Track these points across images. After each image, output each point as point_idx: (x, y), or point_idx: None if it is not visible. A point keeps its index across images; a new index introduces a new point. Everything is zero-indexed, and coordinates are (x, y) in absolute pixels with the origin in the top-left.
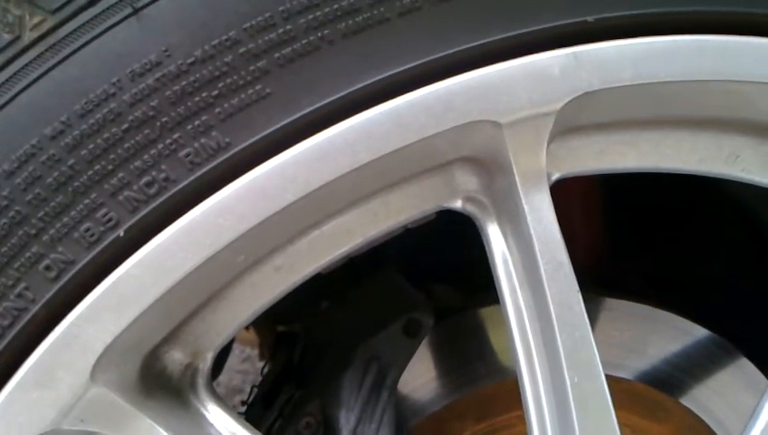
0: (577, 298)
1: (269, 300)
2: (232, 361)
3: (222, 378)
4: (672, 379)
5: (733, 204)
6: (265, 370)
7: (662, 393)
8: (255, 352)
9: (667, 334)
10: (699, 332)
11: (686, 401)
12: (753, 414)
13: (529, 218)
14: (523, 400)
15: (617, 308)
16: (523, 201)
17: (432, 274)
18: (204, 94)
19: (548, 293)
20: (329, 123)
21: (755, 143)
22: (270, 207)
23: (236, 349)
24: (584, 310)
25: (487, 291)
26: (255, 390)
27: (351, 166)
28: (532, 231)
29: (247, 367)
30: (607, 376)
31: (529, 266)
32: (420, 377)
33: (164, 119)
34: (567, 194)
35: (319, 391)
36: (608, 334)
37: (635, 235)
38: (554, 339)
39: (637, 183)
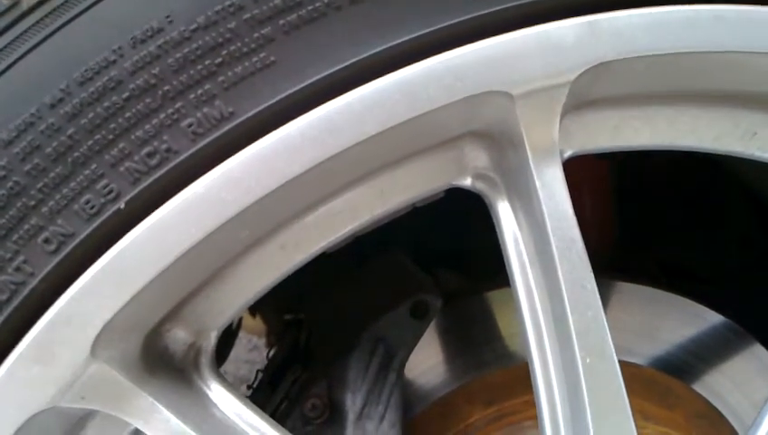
0: (589, 277)
1: (274, 279)
2: (239, 350)
3: (229, 367)
4: (684, 365)
5: (745, 190)
6: (271, 354)
7: (674, 379)
8: (263, 341)
9: (680, 320)
10: (713, 317)
11: (698, 387)
12: (766, 402)
13: (541, 195)
14: (533, 381)
15: (629, 292)
16: (535, 177)
17: (440, 258)
18: (207, 62)
19: (560, 271)
20: (336, 93)
21: None
22: (275, 180)
23: (244, 338)
24: (596, 289)
25: (496, 276)
26: (261, 374)
27: (358, 138)
28: (544, 208)
29: (255, 356)
30: (619, 361)
31: (540, 245)
32: (429, 361)
33: (166, 87)
34: (580, 179)
35: (325, 373)
36: (619, 319)
37: (647, 221)
38: (566, 319)
39: (649, 169)
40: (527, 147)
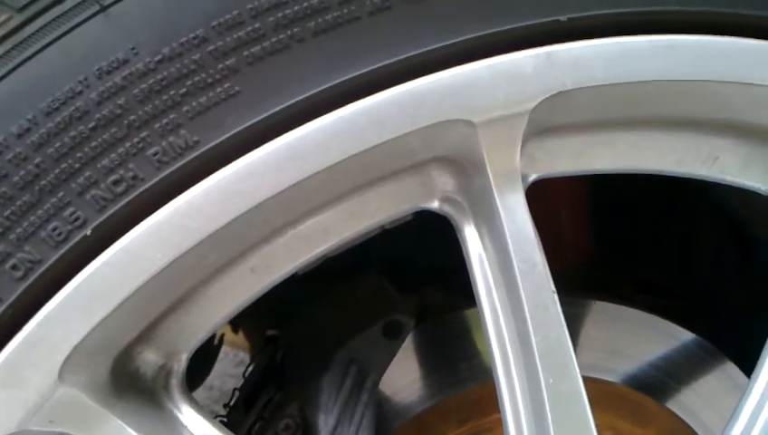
0: (552, 298)
1: (245, 301)
2: (225, 365)
3: (215, 382)
4: (657, 382)
5: (719, 208)
6: (248, 372)
7: (646, 396)
8: (249, 355)
9: (653, 337)
10: (684, 335)
11: (670, 404)
12: (733, 414)
13: (503, 218)
14: (499, 400)
15: (602, 311)
16: (498, 201)
17: (419, 276)
18: (172, 92)
19: (522, 293)
20: (299, 122)
21: (733, 145)
22: (239, 207)
23: (230, 353)
24: (560, 311)
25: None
26: (237, 393)
27: (323, 165)
28: (506, 231)
29: (241, 371)
30: (591, 378)
31: (504, 267)
32: (404, 379)
33: (132, 117)
34: (554, 197)
35: (298, 393)
36: (592, 337)
37: (621, 239)
38: (529, 340)
39: (624, 188)
40: (489, 172)
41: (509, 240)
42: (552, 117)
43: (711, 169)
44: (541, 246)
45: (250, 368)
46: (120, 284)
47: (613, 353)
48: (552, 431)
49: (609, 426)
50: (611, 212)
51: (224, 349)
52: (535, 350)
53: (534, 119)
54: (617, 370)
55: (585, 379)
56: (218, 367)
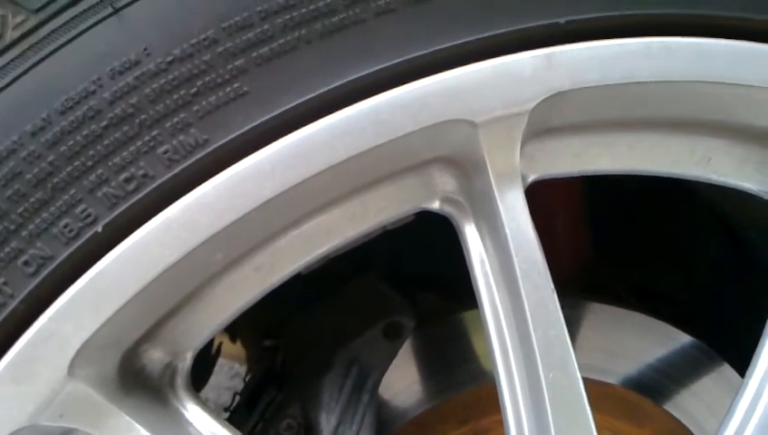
0: (552, 297)
1: (249, 300)
2: (221, 377)
3: (210, 395)
4: (655, 384)
5: (715, 212)
6: (248, 377)
7: (644, 398)
8: (244, 368)
9: (650, 340)
10: (682, 338)
11: (668, 405)
12: (727, 412)
13: (504, 218)
14: (500, 398)
15: (600, 313)
16: (498, 200)
17: (418, 281)
18: (182, 92)
19: (523, 291)
20: (306, 121)
21: (727, 145)
22: (247, 204)
23: (225, 366)
24: (559, 308)
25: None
26: (238, 397)
27: (328, 163)
28: (506, 230)
29: (236, 383)
30: (589, 380)
31: (504, 266)
32: (404, 381)
33: (143, 116)
34: (552, 200)
35: (300, 394)
36: (590, 338)
37: (619, 243)
38: (529, 337)
39: (621, 191)
40: (490, 172)
41: (509, 239)
42: (551, 117)
43: (704, 170)
44: (540, 246)
45: (250, 374)
46: (129, 280)
47: (611, 355)
48: (551, 425)
49: (606, 427)
50: (608, 216)
51: (219, 361)
52: (536, 347)
53: (534, 119)
54: (615, 371)
55: (583, 380)
56: (213, 380)
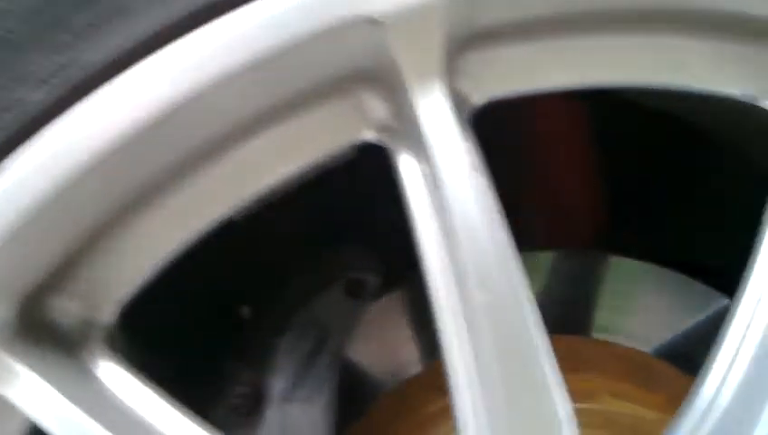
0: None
1: (171, 249)
2: None
3: None
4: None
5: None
6: None
7: (658, 359)
8: None
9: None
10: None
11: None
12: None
13: (435, 153)
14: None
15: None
16: (424, 126)
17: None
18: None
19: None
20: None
21: (703, 45)
22: (134, 123)
23: None
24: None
25: None
26: None
27: (223, 71)
28: (437, 162)
29: None
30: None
31: (438, 200)
32: (380, 349)
33: None
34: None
35: (255, 361)
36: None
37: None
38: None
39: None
40: (407, 85)
41: (441, 167)
42: (477, 14)
43: (679, 77)
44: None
45: None
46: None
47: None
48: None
49: (608, 390)
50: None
51: None
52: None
53: (453, 15)
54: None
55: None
56: None
